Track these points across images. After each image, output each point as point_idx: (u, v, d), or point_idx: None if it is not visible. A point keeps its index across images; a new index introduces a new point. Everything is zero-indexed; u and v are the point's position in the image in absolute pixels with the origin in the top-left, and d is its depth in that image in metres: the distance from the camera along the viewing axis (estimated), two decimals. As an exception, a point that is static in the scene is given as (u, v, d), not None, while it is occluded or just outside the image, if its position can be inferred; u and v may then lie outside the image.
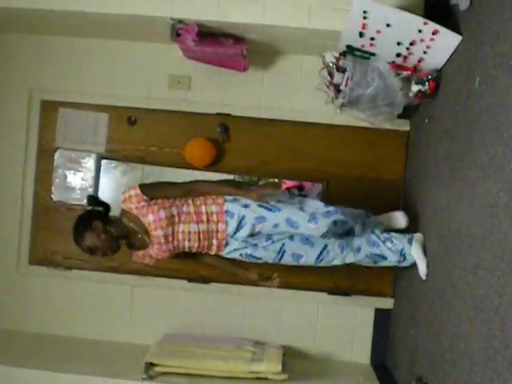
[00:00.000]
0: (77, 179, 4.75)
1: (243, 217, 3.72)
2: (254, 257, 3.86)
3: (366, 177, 4.67)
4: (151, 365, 4.09)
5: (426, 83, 3.92)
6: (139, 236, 3.72)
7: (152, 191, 3.71)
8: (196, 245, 3.74)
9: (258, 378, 4.12)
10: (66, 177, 4.75)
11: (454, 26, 3.59)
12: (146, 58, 4.75)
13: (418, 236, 3.97)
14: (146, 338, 4.63)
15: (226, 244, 3.79)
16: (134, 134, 4.76)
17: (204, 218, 3.70)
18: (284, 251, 3.84)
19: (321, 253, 3.85)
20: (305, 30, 4.01)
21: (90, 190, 4.71)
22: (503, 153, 2.69)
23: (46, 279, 4.83)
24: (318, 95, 4.34)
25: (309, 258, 3.87)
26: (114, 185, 4.75)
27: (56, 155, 4.75)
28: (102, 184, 4.78)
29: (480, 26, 3.21)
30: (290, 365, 4.30)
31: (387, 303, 4.73)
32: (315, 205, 3.88)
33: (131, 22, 4.16)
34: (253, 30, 4.14)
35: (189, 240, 3.71)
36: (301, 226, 3.74)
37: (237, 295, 4.77)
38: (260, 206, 3.74)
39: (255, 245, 3.81)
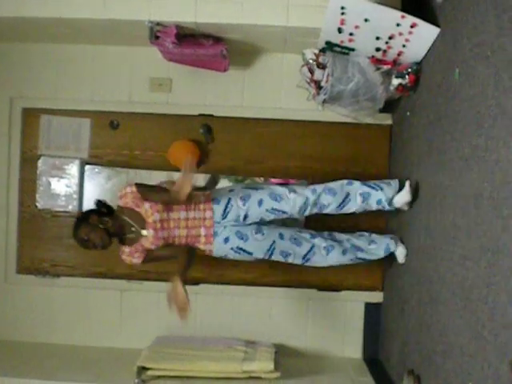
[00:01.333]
0: (61, 186, 4.73)
1: (229, 200, 3.93)
2: (245, 251, 3.95)
3: (351, 172, 4.64)
4: (143, 369, 4.09)
5: (407, 76, 3.94)
6: (133, 229, 3.86)
7: (146, 192, 3.89)
8: (185, 232, 3.87)
9: (251, 378, 4.13)
10: (50, 184, 4.73)
11: (431, 19, 3.60)
12: (126, 62, 4.73)
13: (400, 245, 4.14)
14: (137, 342, 4.62)
15: (215, 234, 3.90)
16: (116, 138, 4.74)
17: (192, 206, 3.89)
18: (274, 248, 3.96)
19: (307, 252, 4.00)
20: (283, 27, 4.01)
21: (75, 197, 4.70)
22: (485, 143, 2.70)
23: (34, 288, 4.80)
24: (300, 92, 4.34)
25: (296, 256, 4.01)
26: (98, 190, 4.71)
27: (39, 163, 4.73)
28: (86, 190, 4.75)
29: (457, 17, 3.22)
30: (283, 363, 4.32)
31: (377, 297, 4.75)
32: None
33: (109, 26, 4.15)
34: (232, 30, 4.14)
35: (178, 227, 3.85)
36: (283, 198, 3.96)
37: (226, 295, 4.77)
38: (246, 187, 4.07)
39: (246, 238, 3.92)
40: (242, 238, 3.93)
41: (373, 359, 4.72)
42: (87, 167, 4.75)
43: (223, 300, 4.80)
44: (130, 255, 3.92)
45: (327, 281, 4.75)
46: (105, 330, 4.82)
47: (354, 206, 4.07)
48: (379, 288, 4.75)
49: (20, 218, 4.79)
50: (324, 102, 4.22)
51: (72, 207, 4.74)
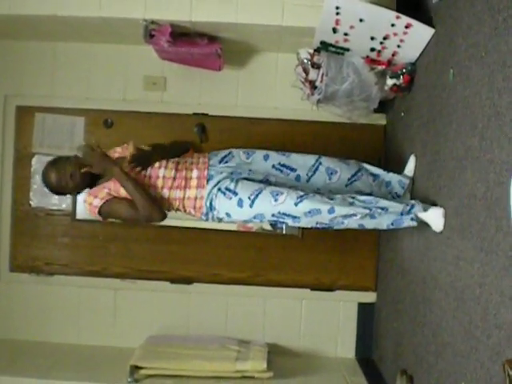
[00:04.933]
0: (55, 184, 4.72)
1: (230, 152, 3.67)
2: (231, 191, 3.45)
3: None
4: (136, 368, 4.09)
5: (401, 77, 3.94)
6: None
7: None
8: (172, 173, 3.51)
9: (244, 377, 4.14)
10: (44, 182, 4.72)
11: (426, 19, 3.60)
12: (121, 60, 4.72)
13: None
14: (130, 341, 4.61)
15: (210, 178, 3.49)
16: (110, 136, 4.71)
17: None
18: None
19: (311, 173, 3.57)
20: (278, 27, 4.00)
21: (69, 195, 4.68)
22: (479, 144, 2.71)
23: (27, 286, 4.79)
24: (294, 92, 4.33)
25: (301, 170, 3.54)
26: (92, 188, 4.72)
27: (33, 161, 4.72)
28: (80, 188, 4.73)
29: (452, 18, 3.23)
30: (276, 362, 4.33)
31: (370, 297, 4.75)
32: None
33: (104, 24, 4.14)
34: (226, 29, 4.13)
35: (165, 167, 3.54)
36: (292, 154, 3.67)
37: (219, 294, 4.77)
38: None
39: (237, 179, 3.48)
40: (233, 180, 3.45)
41: (366, 359, 4.72)
42: (81, 166, 4.74)
43: (216, 299, 4.79)
44: (92, 194, 3.60)
45: (320, 280, 4.75)
46: (98, 329, 4.81)
47: (364, 185, 3.71)
48: (372, 288, 4.75)
49: (14, 217, 4.78)
50: (318, 101, 4.21)
51: (66, 206, 4.74)
